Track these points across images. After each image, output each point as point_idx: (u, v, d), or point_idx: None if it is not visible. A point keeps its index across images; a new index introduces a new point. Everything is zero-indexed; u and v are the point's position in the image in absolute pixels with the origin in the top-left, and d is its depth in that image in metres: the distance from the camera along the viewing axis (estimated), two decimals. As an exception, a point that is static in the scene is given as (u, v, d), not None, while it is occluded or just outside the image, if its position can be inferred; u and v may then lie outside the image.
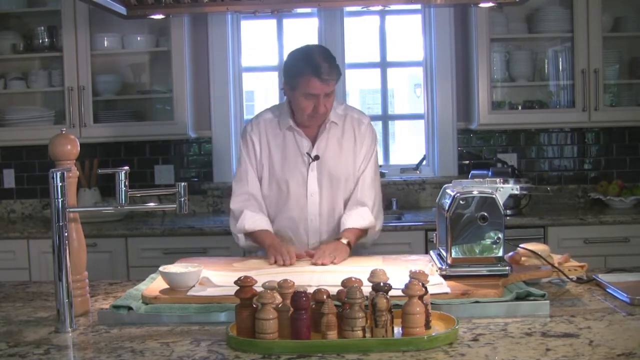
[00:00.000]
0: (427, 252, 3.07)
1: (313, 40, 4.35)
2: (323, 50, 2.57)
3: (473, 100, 4.09)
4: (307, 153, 2.61)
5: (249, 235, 2.59)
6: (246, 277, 1.65)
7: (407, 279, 1.66)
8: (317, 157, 2.60)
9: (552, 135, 4.31)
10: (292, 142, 2.62)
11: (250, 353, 1.55)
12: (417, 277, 1.68)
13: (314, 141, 2.62)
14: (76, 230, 1.94)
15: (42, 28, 4.09)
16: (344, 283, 1.67)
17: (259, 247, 2.62)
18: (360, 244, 2.65)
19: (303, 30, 4.50)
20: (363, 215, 2.58)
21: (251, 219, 2.58)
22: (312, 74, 2.45)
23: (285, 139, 2.63)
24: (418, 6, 4.17)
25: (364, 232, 2.61)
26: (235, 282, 1.65)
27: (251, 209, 2.61)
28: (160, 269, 2.01)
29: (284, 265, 2.33)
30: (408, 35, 4.47)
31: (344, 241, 2.49)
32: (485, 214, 1.98)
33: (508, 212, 3.75)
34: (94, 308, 1.96)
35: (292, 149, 2.62)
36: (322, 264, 2.31)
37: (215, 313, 1.81)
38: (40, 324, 1.85)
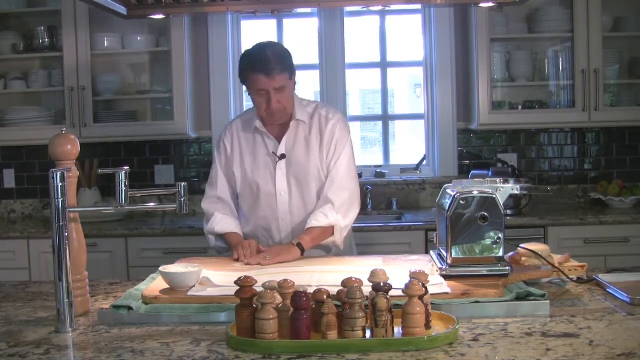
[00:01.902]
0: (427, 252, 3.07)
1: (313, 40, 4.35)
2: (271, 46, 2.56)
3: (473, 100, 4.09)
4: (273, 152, 2.63)
5: (219, 236, 2.66)
6: (246, 277, 1.65)
7: (407, 279, 1.66)
8: (283, 156, 2.62)
9: (552, 135, 4.31)
10: (261, 144, 2.66)
11: (250, 353, 1.55)
12: (417, 277, 1.68)
13: (280, 140, 2.64)
14: (76, 230, 1.94)
15: (42, 28, 4.09)
16: (344, 283, 1.67)
17: (227, 248, 2.65)
18: (331, 243, 2.61)
19: (303, 30, 4.50)
20: (326, 214, 2.55)
21: (221, 221, 2.65)
22: (256, 71, 2.47)
23: (255, 141, 2.67)
24: (418, 6, 4.17)
25: (327, 231, 2.57)
26: (235, 282, 1.65)
27: (222, 211, 2.68)
28: (161, 269, 2.01)
29: (245, 259, 2.38)
30: (408, 35, 4.47)
31: (294, 242, 2.48)
32: (486, 214, 1.98)
33: (508, 212, 3.75)
34: (94, 308, 1.96)
35: (261, 150, 2.66)
36: (248, 264, 2.34)
37: (215, 313, 1.81)
38: (41, 324, 1.85)
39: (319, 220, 2.54)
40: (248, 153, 2.67)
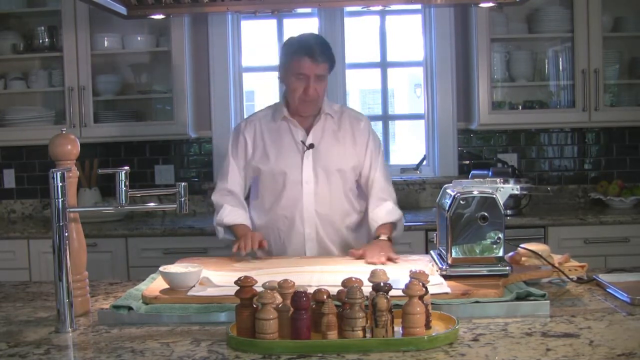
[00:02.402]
0: (427, 252, 3.07)
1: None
2: (318, 36, 2.68)
3: (473, 100, 4.09)
4: (302, 141, 2.64)
5: (227, 228, 2.66)
6: (246, 277, 1.65)
7: (407, 279, 1.66)
8: (311, 146, 2.63)
9: (552, 135, 4.31)
10: (287, 132, 2.67)
11: (250, 353, 1.55)
12: (418, 277, 1.68)
13: (308, 131, 2.66)
14: (76, 230, 1.94)
15: (42, 28, 4.09)
16: (344, 283, 1.67)
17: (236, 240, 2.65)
18: (394, 239, 2.67)
19: (303, 30, 4.49)
20: (390, 210, 2.65)
21: (230, 213, 2.66)
22: (303, 54, 2.53)
23: (280, 130, 2.68)
24: (418, 6, 4.17)
25: (394, 226, 2.65)
26: (235, 282, 1.65)
27: (231, 203, 2.68)
28: (161, 269, 2.01)
29: (245, 249, 2.41)
30: (408, 35, 4.47)
31: (384, 237, 2.53)
32: (486, 214, 1.98)
33: (508, 212, 3.75)
34: (94, 308, 1.96)
35: (286, 139, 2.67)
36: (380, 263, 2.31)
37: (215, 313, 1.81)
38: (41, 324, 1.85)
39: (386, 217, 2.62)
40: (272, 143, 2.67)
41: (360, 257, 2.41)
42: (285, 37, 4.33)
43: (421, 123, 4.45)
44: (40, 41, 4.09)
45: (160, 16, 2.63)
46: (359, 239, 2.73)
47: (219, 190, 2.73)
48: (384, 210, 2.65)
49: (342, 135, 2.68)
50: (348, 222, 2.71)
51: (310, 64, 2.53)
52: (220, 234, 2.70)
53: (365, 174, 2.70)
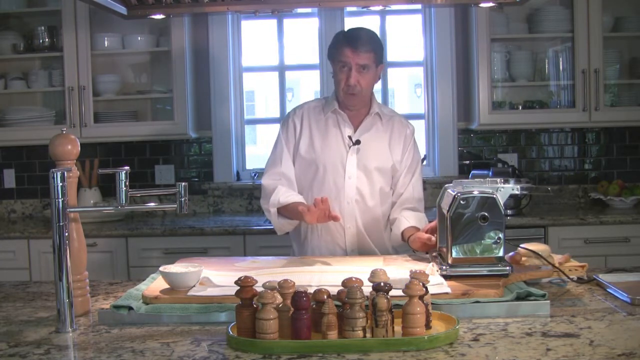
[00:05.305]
0: (427, 252, 3.06)
1: (313, 40, 4.35)
2: (367, 29, 2.66)
3: (473, 100, 4.09)
4: (349, 136, 2.65)
5: (282, 209, 2.57)
6: (246, 277, 1.65)
7: (407, 279, 1.66)
8: (358, 142, 2.64)
9: (552, 135, 4.31)
10: (335, 126, 2.68)
11: (250, 353, 1.55)
12: (418, 277, 1.68)
13: (356, 128, 2.67)
14: (76, 230, 1.94)
15: (43, 28, 4.09)
16: (345, 283, 1.67)
17: (290, 223, 2.61)
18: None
19: (303, 30, 4.50)
20: (421, 220, 2.63)
21: (285, 193, 2.59)
22: (344, 43, 2.56)
23: (328, 122, 2.68)
24: (418, 6, 4.17)
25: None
26: (236, 282, 1.65)
27: (285, 185, 2.64)
28: (161, 269, 2.01)
29: (322, 207, 2.31)
30: (408, 35, 4.47)
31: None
32: (486, 214, 1.98)
33: (508, 212, 3.75)
34: (95, 308, 1.96)
35: (333, 132, 2.67)
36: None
37: (215, 313, 1.81)
38: (41, 324, 1.85)
39: (418, 223, 2.59)
40: (318, 133, 2.68)
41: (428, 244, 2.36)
42: (285, 38, 4.40)
43: (421, 123, 4.44)
44: (40, 41, 4.10)
45: (160, 16, 2.63)
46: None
47: (271, 173, 2.67)
48: (415, 217, 2.62)
49: (387, 137, 2.69)
50: (385, 221, 2.71)
51: (350, 53, 2.53)
52: (273, 217, 2.60)
53: (397, 177, 2.70)
